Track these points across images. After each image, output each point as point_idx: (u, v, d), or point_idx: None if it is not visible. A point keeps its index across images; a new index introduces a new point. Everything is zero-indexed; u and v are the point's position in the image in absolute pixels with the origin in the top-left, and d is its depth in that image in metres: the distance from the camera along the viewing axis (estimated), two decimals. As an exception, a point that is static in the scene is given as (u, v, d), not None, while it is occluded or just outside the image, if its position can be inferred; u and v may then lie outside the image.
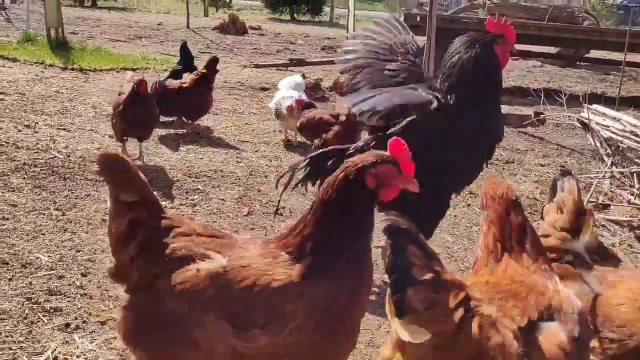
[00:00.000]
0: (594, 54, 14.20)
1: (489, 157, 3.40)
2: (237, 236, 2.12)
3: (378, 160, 1.88)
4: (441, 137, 3.13)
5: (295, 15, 26.20)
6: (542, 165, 6.35)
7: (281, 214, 4.46)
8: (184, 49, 7.55)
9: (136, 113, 5.08)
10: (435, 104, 3.02)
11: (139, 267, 1.95)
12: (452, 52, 3.27)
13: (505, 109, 8.35)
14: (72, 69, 9.21)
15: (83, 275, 3.28)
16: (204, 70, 6.54)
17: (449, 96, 3.16)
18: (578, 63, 14.69)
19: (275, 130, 6.84)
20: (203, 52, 12.84)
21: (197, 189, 4.83)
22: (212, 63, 6.58)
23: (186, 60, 7.51)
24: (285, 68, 11.23)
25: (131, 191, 1.99)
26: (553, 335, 1.54)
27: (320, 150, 3.50)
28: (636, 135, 5.89)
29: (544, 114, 8.27)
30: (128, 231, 1.98)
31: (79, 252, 3.54)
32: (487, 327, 1.50)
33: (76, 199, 4.31)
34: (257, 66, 11.27)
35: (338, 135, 5.43)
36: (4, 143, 5.29)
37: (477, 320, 1.51)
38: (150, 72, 9.52)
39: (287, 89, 6.71)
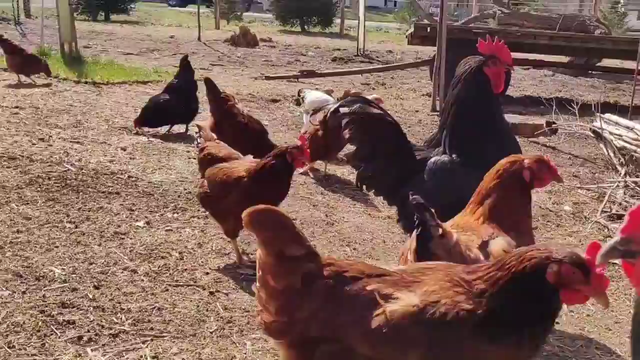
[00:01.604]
0: (606, 62, 14.12)
1: None
2: (396, 267, 2.02)
3: (565, 258, 1.71)
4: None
5: (306, 27, 26.40)
6: (554, 175, 6.30)
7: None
8: (185, 62, 7.07)
9: (271, 192, 3.50)
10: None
11: (320, 320, 1.82)
12: (452, 84, 3.29)
13: (517, 119, 8.36)
14: (86, 83, 9.33)
15: (96, 287, 3.29)
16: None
17: (454, 155, 3.18)
18: (590, 72, 14.62)
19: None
20: (214, 65, 12.96)
21: (209, 201, 4.83)
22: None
23: (185, 75, 7.04)
24: (296, 80, 11.28)
25: (297, 244, 1.88)
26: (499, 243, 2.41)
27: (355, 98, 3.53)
28: (650, 144, 5.84)
29: (556, 123, 8.22)
30: (303, 286, 1.86)
31: (92, 264, 3.56)
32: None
33: (89, 211, 4.34)
34: (268, 78, 11.33)
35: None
36: (18, 156, 5.35)
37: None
38: (162, 85, 9.62)
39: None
